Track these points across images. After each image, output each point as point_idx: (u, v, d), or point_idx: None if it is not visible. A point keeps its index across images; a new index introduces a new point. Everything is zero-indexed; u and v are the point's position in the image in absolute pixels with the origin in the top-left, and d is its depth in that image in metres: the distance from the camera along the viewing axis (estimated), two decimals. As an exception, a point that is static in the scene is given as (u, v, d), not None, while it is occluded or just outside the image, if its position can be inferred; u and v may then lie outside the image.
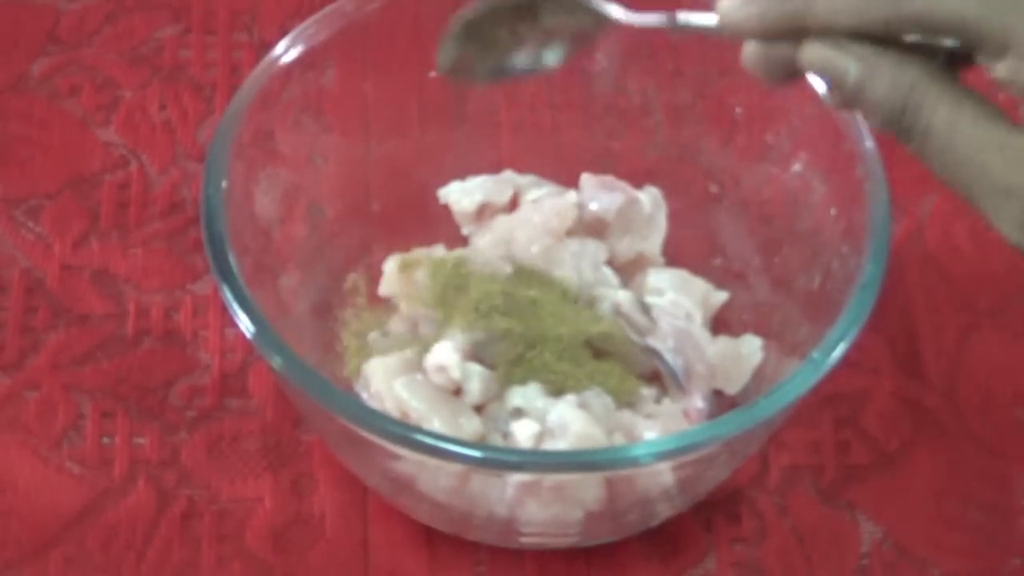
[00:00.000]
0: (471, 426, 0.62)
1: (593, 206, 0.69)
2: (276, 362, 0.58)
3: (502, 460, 0.58)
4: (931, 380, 0.70)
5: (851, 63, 0.51)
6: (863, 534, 0.67)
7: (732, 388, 0.66)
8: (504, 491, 0.60)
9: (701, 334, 0.66)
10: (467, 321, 0.63)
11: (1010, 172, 0.50)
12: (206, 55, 0.79)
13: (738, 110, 0.70)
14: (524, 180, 0.70)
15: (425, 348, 0.64)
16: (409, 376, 0.63)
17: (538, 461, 0.59)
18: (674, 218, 0.70)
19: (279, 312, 0.64)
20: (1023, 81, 0.49)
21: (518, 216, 0.69)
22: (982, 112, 0.50)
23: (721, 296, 0.68)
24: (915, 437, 0.69)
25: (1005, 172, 0.50)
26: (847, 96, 0.52)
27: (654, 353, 0.65)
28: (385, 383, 0.63)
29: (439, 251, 0.69)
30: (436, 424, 0.62)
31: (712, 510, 0.67)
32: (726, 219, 0.70)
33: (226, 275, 0.60)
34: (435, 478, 0.61)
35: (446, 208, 0.70)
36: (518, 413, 0.63)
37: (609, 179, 0.69)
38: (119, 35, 0.79)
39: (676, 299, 0.67)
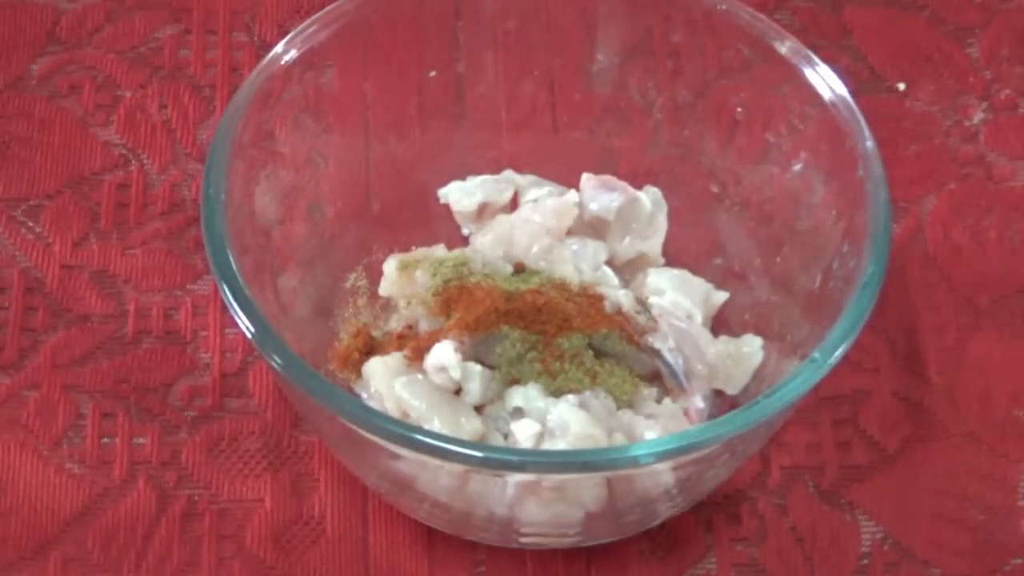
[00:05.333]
0: (471, 426, 0.62)
1: (593, 206, 0.69)
2: (276, 362, 0.58)
3: (502, 460, 0.58)
4: (931, 380, 0.70)
5: None
6: (863, 534, 0.67)
7: (732, 388, 0.66)
8: (504, 491, 0.60)
9: (701, 334, 0.66)
10: (467, 322, 0.63)
11: None
12: (206, 55, 0.79)
13: (738, 110, 0.70)
14: (524, 180, 0.71)
15: (425, 348, 0.64)
16: (409, 376, 0.63)
17: (538, 461, 0.59)
18: (674, 218, 0.70)
19: (279, 312, 0.64)
20: None
21: (518, 216, 0.69)
22: None
23: (721, 296, 0.68)
24: (915, 437, 0.69)
25: None
26: None
27: (654, 353, 0.65)
28: (385, 383, 0.63)
29: (439, 251, 0.69)
30: (436, 424, 0.62)
31: (712, 510, 0.67)
32: (726, 219, 0.70)
33: (226, 275, 0.60)
34: (435, 478, 0.61)
35: (446, 208, 0.70)
36: (518, 413, 0.63)
37: (609, 179, 0.69)
38: (119, 35, 0.79)
39: (676, 299, 0.67)
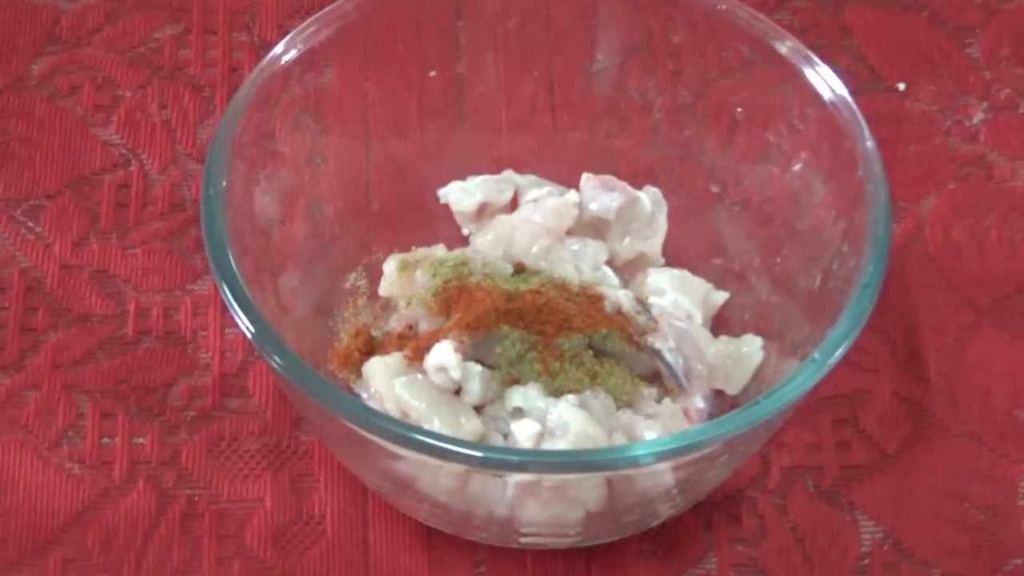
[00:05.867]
0: (471, 426, 0.62)
1: (593, 206, 0.69)
2: (276, 362, 0.58)
3: (502, 460, 0.58)
4: (931, 380, 0.70)
5: None
6: (863, 534, 0.67)
7: (732, 388, 0.66)
8: (504, 491, 0.60)
9: (701, 334, 0.66)
10: (467, 322, 0.63)
11: None
12: (206, 55, 0.79)
13: (738, 110, 0.70)
14: (524, 180, 0.71)
15: (425, 348, 0.64)
16: (409, 376, 0.63)
17: (538, 461, 0.59)
18: (674, 218, 0.70)
19: (279, 312, 0.64)
20: None
21: (518, 216, 0.69)
22: None
23: (721, 296, 0.68)
24: (915, 437, 0.69)
25: None
26: None
27: (654, 353, 0.65)
28: (385, 383, 0.63)
29: (439, 251, 0.69)
30: (436, 424, 0.62)
31: (712, 510, 0.67)
32: (726, 219, 0.70)
33: (226, 275, 0.60)
34: (435, 478, 0.61)
35: (446, 208, 0.70)
36: (518, 413, 0.63)
37: (609, 179, 0.69)
38: (119, 35, 0.79)
39: (676, 299, 0.67)
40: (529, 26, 0.71)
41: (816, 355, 0.59)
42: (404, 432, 0.57)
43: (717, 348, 0.66)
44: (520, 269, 0.68)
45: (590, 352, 0.64)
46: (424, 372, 0.64)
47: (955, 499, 0.68)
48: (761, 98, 0.68)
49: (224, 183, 0.62)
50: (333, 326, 0.68)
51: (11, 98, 0.77)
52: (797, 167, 0.68)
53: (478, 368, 0.63)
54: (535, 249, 0.68)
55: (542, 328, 0.64)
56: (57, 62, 0.78)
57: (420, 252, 0.69)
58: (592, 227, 0.69)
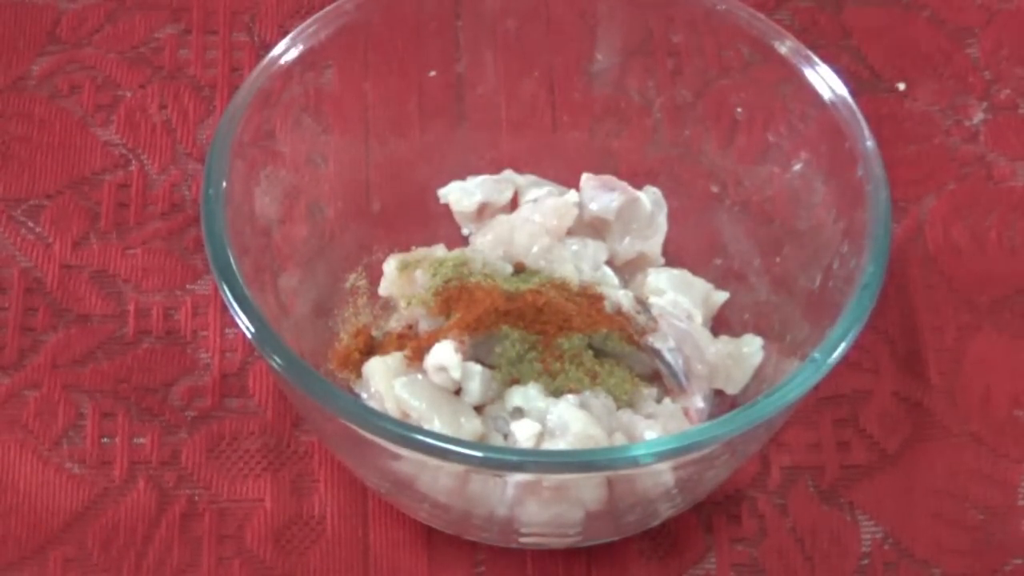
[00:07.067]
0: (471, 426, 0.62)
1: (593, 206, 0.69)
2: (276, 362, 0.58)
3: (502, 460, 0.58)
4: (931, 380, 0.70)
5: None
6: (863, 534, 0.67)
7: (732, 388, 0.66)
8: (504, 491, 0.60)
9: (701, 334, 0.66)
10: (467, 322, 0.63)
11: None
12: (206, 55, 0.79)
13: (738, 110, 0.70)
14: (524, 180, 0.71)
15: (425, 348, 0.64)
16: (409, 376, 0.63)
17: (538, 461, 0.59)
18: (674, 218, 0.70)
19: (279, 312, 0.64)
20: None
21: (518, 216, 0.69)
22: None
23: (721, 296, 0.68)
24: (915, 437, 0.69)
25: None
26: None
27: (654, 353, 0.65)
28: (385, 383, 0.63)
29: (439, 251, 0.69)
30: (436, 424, 0.62)
31: (712, 510, 0.67)
32: (726, 219, 0.70)
33: (226, 275, 0.60)
34: (435, 478, 0.61)
35: (446, 208, 0.70)
36: (518, 413, 0.63)
37: (609, 179, 0.69)
38: (119, 35, 0.79)
39: (676, 299, 0.67)
40: (529, 26, 0.71)
41: (816, 355, 0.59)
42: (404, 432, 0.57)
43: (717, 348, 0.66)
44: (520, 269, 0.68)
45: (590, 352, 0.64)
46: (424, 372, 0.64)
47: (955, 499, 0.68)
48: (761, 98, 0.68)
49: (224, 183, 0.62)
50: (333, 326, 0.68)
51: (11, 98, 0.77)
52: (797, 167, 0.68)
53: (478, 368, 0.63)
54: (535, 249, 0.68)
55: (542, 328, 0.64)
56: (57, 62, 0.78)
57: (420, 252, 0.69)
58: (592, 227, 0.69)
